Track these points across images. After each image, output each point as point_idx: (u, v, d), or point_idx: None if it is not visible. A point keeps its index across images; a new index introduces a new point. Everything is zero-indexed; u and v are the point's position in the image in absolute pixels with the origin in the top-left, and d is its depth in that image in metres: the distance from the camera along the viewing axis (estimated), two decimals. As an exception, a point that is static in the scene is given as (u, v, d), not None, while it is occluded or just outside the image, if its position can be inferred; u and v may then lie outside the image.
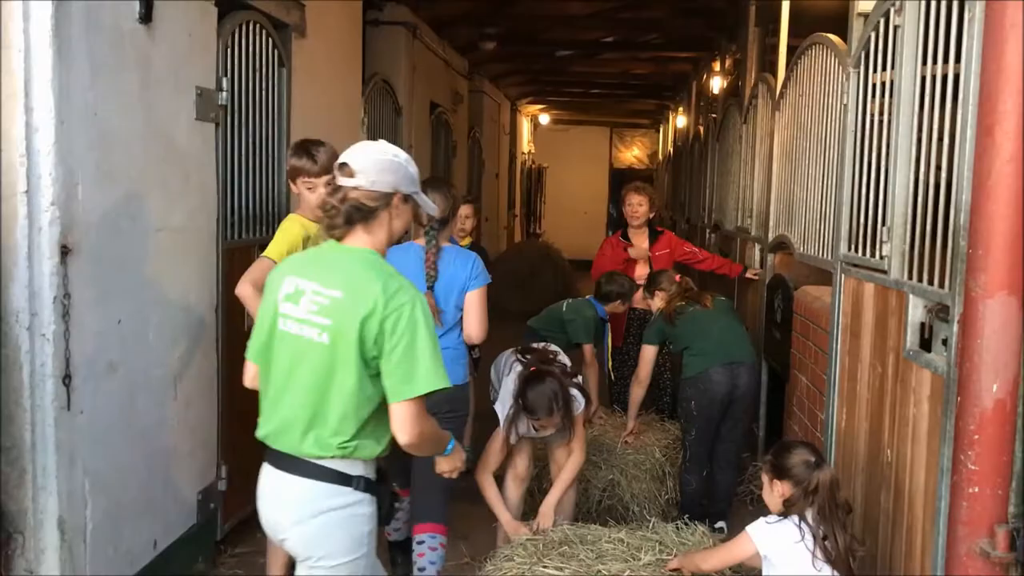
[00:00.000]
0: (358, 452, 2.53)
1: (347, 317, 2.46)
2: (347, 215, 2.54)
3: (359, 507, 2.57)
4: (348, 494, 2.54)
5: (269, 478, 2.60)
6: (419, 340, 2.46)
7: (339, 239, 2.59)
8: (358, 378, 2.47)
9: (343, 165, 2.56)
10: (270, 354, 2.60)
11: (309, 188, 3.72)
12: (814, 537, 2.85)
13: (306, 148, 3.74)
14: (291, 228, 3.74)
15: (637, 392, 5.11)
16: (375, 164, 2.56)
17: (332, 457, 2.51)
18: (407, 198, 2.63)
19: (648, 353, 4.99)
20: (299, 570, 2.62)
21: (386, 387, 2.48)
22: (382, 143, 2.69)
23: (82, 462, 3.17)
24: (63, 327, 3.02)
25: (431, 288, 3.77)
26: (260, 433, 2.62)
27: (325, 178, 3.45)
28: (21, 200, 2.93)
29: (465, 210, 5.75)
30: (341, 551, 2.55)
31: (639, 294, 5.67)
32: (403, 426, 2.49)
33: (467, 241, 5.83)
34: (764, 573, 3.00)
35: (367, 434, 2.54)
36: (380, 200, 2.56)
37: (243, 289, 3.59)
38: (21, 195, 2.92)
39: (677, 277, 5.13)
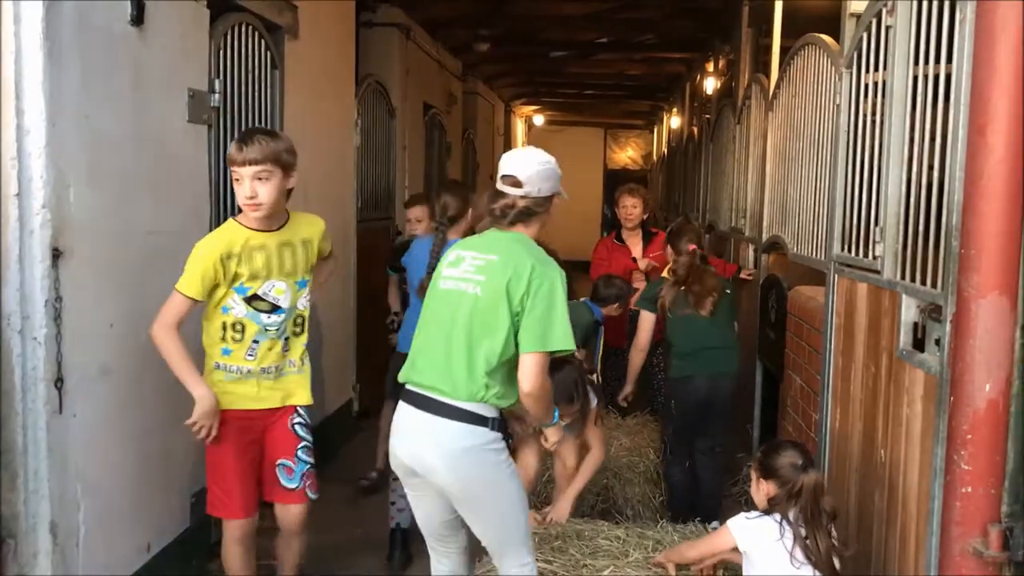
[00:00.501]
0: (494, 399, 2.88)
1: (500, 275, 2.87)
2: (514, 218, 3.00)
3: (496, 443, 2.91)
4: (485, 433, 2.88)
5: (409, 418, 2.95)
6: (557, 306, 2.86)
7: (500, 228, 3.03)
8: (507, 328, 2.85)
9: (508, 176, 2.99)
10: (427, 314, 3.04)
11: (236, 180, 3.23)
12: (794, 536, 2.87)
13: (242, 135, 3.29)
14: (205, 251, 3.22)
15: (637, 358, 4.99)
16: (538, 174, 2.99)
17: (471, 400, 2.85)
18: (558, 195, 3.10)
19: (646, 320, 4.89)
20: (458, 508, 2.99)
21: (522, 340, 2.85)
22: (534, 151, 3.08)
23: (74, 465, 3.16)
24: (55, 330, 3.01)
25: (429, 273, 4.36)
26: (403, 376, 3.01)
27: (253, 170, 3.16)
28: (12, 203, 2.91)
29: (414, 212, 5.34)
30: (486, 482, 2.92)
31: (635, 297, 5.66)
32: (529, 375, 2.83)
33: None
34: (745, 572, 3.02)
35: (503, 384, 2.90)
36: (543, 204, 3.03)
37: (156, 331, 3.19)
38: (12, 198, 2.91)
39: (692, 246, 4.80)
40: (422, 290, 4.49)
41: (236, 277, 3.24)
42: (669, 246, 4.97)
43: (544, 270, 2.88)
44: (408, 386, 2.99)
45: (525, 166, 2.99)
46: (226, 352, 3.30)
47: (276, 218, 3.34)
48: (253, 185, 3.18)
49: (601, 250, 6.38)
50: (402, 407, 2.99)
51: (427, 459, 2.90)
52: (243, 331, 3.29)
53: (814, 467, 2.99)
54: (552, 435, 3.30)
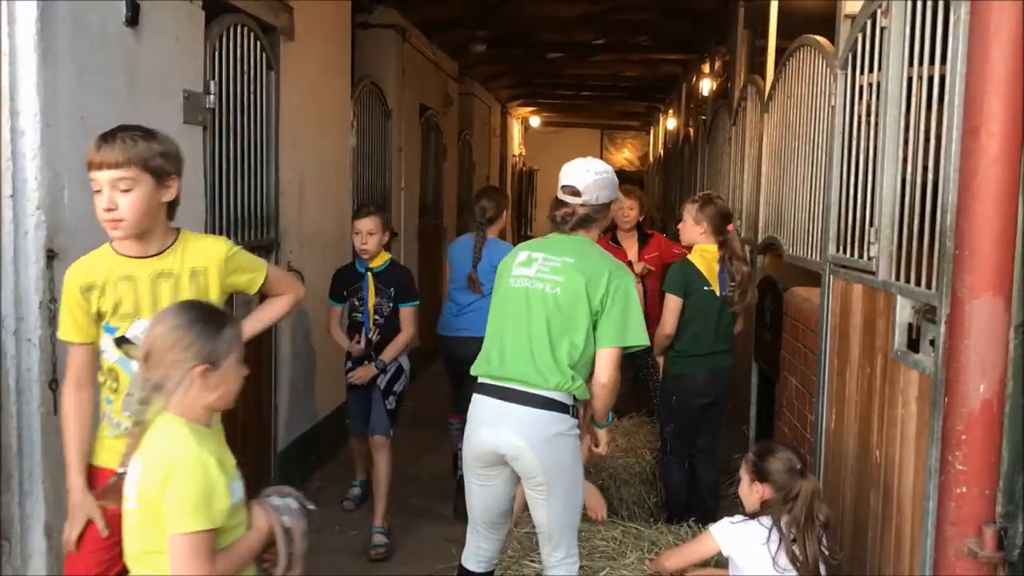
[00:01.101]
0: (576, 388, 3.08)
1: (578, 276, 3.09)
2: (575, 225, 3.23)
3: (575, 429, 3.13)
4: (568, 419, 3.09)
5: (494, 408, 3.11)
6: (632, 306, 3.10)
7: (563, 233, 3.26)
8: (587, 326, 3.07)
9: (568, 186, 3.22)
10: (501, 311, 3.22)
11: (95, 190, 2.53)
12: (780, 540, 2.85)
13: (105, 132, 2.57)
14: (65, 283, 2.62)
15: (663, 341, 4.57)
16: (595, 184, 3.22)
17: (557, 390, 3.04)
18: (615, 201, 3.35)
19: (673, 304, 4.51)
20: (526, 487, 3.15)
21: (601, 336, 3.08)
22: (592, 161, 3.31)
23: (69, 467, 3.14)
24: (50, 332, 3.00)
25: (475, 267, 4.97)
26: (478, 369, 3.19)
27: (111, 175, 2.49)
28: (7, 204, 2.91)
29: (365, 224, 4.64)
30: (565, 466, 3.10)
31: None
32: (607, 367, 3.09)
33: (379, 261, 4.73)
34: (730, 573, 3.02)
35: (583, 376, 3.10)
36: (602, 211, 3.27)
37: (64, 389, 2.66)
38: (7, 199, 2.91)
39: (730, 226, 4.58)
40: (471, 282, 4.99)
41: (101, 314, 2.61)
42: (704, 221, 4.54)
43: (619, 273, 3.13)
44: (484, 379, 3.18)
45: (583, 176, 3.22)
46: (108, 401, 2.65)
47: (153, 240, 2.62)
48: (112, 195, 2.50)
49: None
50: (482, 400, 3.17)
51: (516, 445, 3.06)
52: (117, 380, 2.62)
53: (811, 472, 2.97)
54: (604, 437, 3.43)
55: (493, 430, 3.09)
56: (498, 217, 5.15)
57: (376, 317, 4.71)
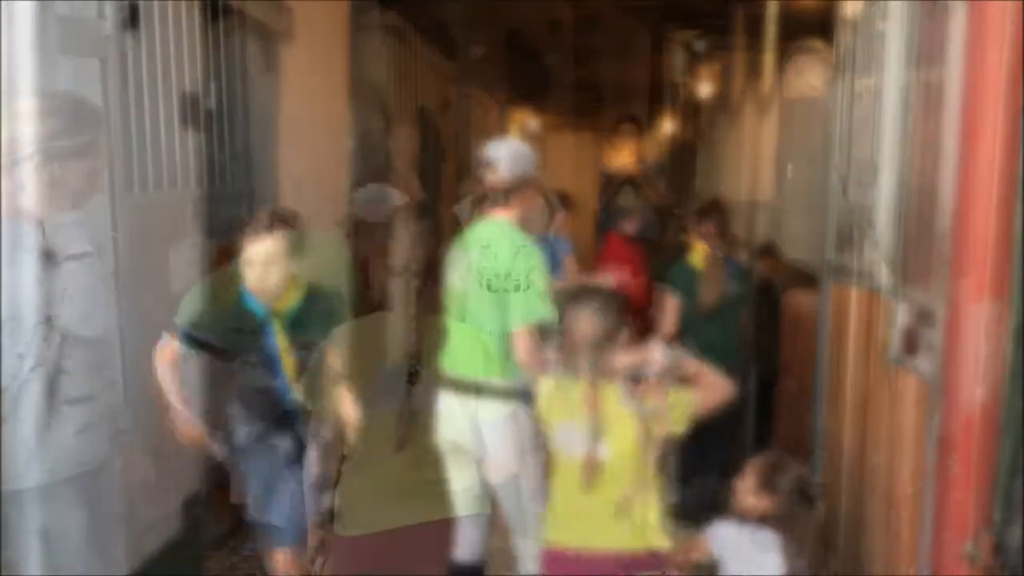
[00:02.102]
0: (512, 374, 3.20)
1: (491, 268, 3.20)
2: (492, 199, 3.31)
3: (519, 412, 3.22)
4: (512, 404, 3.21)
5: (449, 401, 3.16)
6: (536, 284, 3.17)
7: (483, 215, 3.33)
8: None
9: (484, 162, 3.32)
10: (449, 312, 3.29)
11: None
12: (781, 561, 2.84)
13: None
14: None
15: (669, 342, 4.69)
16: (512, 158, 3.32)
17: (496, 377, 3.20)
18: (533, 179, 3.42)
19: (672, 305, 4.53)
20: (493, 477, 3.30)
21: (512, 317, 3.17)
22: (508, 139, 3.51)
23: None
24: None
25: None
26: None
27: None
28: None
29: (259, 251, 2.92)
30: (512, 445, 3.24)
31: None
32: (520, 349, 3.16)
33: (287, 300, 3.04)
34: (719, 574, 3.02)
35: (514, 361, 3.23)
36: (518, 186, 3.32)
37: None
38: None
39: (714, 229, 4.59)
40: None
41: None
42: (692, 227, 4.71)
43: (525, 253, 3.23)
44: (447, 374, 3.27)
45: (497, 152, 3.34)
46: None
47: None
48: None
49: (614, 246, 6.11)
50: (444, 394, 3.24)
51: (466, 432, 3.23)
52: None
53: (818, 502, 2.95)
54: None
55: (447, 423, 3.13)
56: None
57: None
